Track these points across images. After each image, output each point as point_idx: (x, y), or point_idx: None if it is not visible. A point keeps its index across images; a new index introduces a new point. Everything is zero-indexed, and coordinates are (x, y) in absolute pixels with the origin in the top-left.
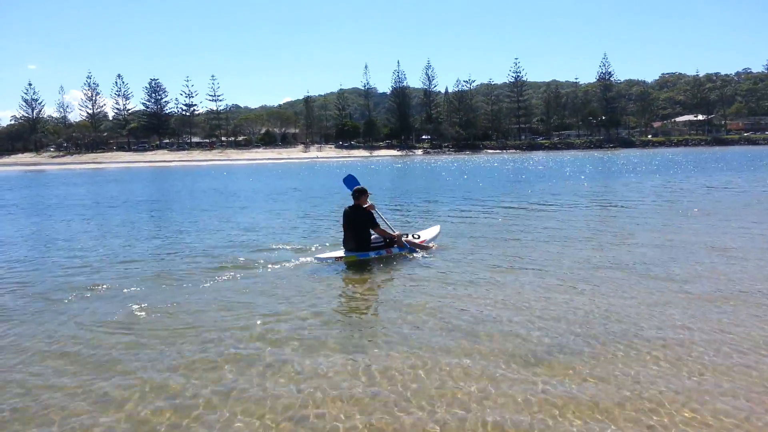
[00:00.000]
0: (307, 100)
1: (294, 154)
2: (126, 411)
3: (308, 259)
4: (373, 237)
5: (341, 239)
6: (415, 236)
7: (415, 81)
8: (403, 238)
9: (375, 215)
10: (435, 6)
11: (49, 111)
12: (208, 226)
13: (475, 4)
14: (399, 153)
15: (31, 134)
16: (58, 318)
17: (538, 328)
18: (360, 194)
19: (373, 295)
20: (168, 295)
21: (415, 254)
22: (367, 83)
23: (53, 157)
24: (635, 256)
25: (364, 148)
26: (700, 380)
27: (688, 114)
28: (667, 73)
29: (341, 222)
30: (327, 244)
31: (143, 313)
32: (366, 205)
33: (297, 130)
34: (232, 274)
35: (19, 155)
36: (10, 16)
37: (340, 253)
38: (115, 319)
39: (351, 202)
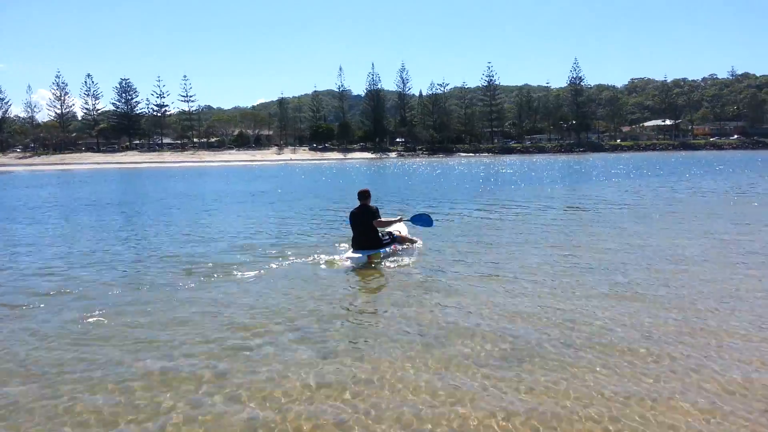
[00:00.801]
0: (281, 102)
1: (268, 156)
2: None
3: (282, 264)
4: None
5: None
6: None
7: (389, 83)
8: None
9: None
10: (409, 9)
11: (17, 111)
12: (176, 230)
13: (449, 8)
14: (373, 155)
15: None
16: (9, 326)
17: (504, 334)
18: (366, 196)
19: (339, 304)
20: (129, 302)
21: (403, 246)
22: (342, 85)
23: (19, 158)
24: (599, 261)
25: (339, 150)
26: (659, 386)
27: (656, 119)
28: (637, 78)
29: (349, 224)
30: (315, 249)
31: (99, 320)
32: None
33: (271, 132)
34: (198, 281)
35: None
36: None
37: (351, 254)
38: (71, 329)
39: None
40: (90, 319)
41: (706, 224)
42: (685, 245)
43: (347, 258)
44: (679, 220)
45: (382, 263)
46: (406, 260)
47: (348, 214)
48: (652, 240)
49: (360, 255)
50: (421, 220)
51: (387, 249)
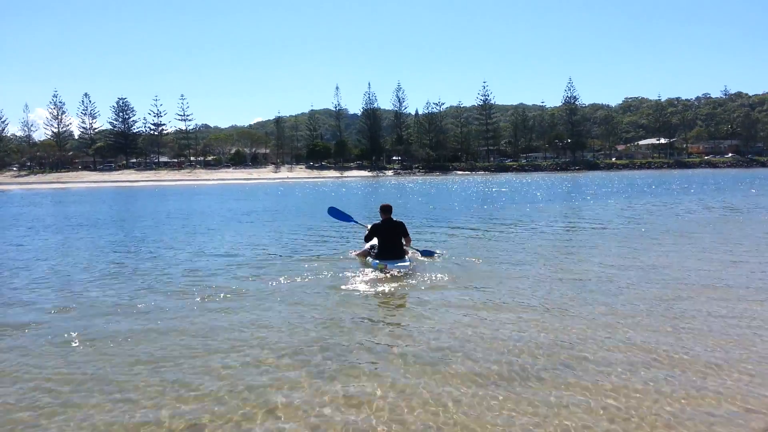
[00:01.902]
0: (278, 121)
1: (264, 174)
2: None
3: (286, 281)
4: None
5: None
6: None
7: (386, 103)
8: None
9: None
10: (405, 29)
11: (13, 129)
12: (172, 250)
13: (445, 28)
14: (370, 174)
15: None
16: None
17: (500, 355)
18: (391, 210)
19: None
20: (127, 324)
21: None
22: (339, 104)
23: (15, 177)
24: (595, 276)
25: (335, 168)
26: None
27: (650, 137)
28: (631, 98)
29: (377, 236)
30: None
31: (81, 345)
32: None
33: (267, 151)
34: (195, 300)
35: None
36: None
37: (400, 263)
38: (56, 351)
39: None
40: (82, 339)
41: None
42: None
43: (395, 267)
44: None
45: (402, 278)
46: (422, 276)
47: (373, 226)
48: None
49: (407, 263)
50: (428, 253)
51: (408, 262)
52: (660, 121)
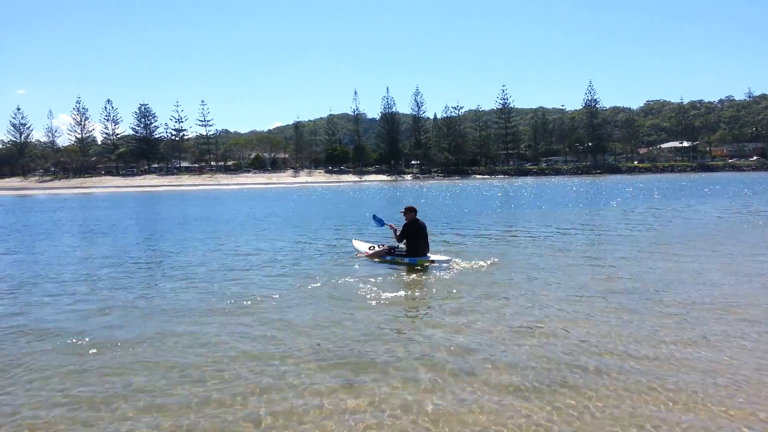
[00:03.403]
0: (297, 125)
1: (284, 178)
2: None
3: (308, 283)
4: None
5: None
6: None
7: (404, 107)
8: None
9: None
10: (424, 34)
11: (38, 135)
12: (196, 255)
13: (463, 32)
14: (388, 178)
15: (18, 159)
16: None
17: (536, 360)
18: (416, 211)
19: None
20: (155, 324)
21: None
22: (357, 109)
23: (40, 182)
24: (627, 284)
25: (354, 173)
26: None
27: (673, 140)
28: (652, 100)
29: (411, 233)
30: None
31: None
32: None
33: (287, 155)
34: (226, 304)
35: (6, 179)
36: (1, 43)
37: (439, 256)
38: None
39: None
40: (112, 343)
41: None
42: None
43: (434, 260)
44: None
45: (426, 284)
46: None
47: (406, 225)
48: None
49: (446, 257)
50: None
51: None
52: (682, 124)
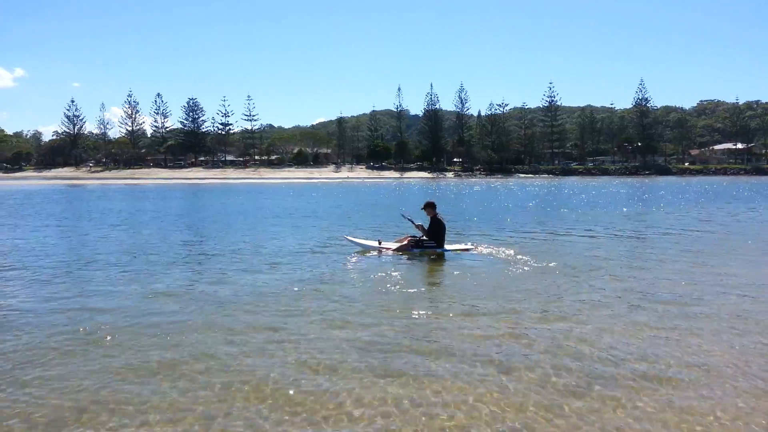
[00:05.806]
0: (340, 121)
1: (325, 173)
2: None
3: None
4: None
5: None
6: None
7: (447, 104)
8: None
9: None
10: (468, 29)
11: (90, 127)
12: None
13: (509, 28)
14: (430, 175)
15: (71, 149)
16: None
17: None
18: (436, 206)
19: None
20: (202, 319)
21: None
22: (400, 105)
23: (92, 172)
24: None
25: (396, 169)
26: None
27: (727, 142)
28: (706, 100)
29: (441, 228)
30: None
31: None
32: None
33: (329, 150)
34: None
35: (60, 169)
36: (59, 38)
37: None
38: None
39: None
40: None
41: None
42: None
43: (464, 248)
44: None
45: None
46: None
47: (437, 221)
48: None
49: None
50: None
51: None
52: (737, 125)
